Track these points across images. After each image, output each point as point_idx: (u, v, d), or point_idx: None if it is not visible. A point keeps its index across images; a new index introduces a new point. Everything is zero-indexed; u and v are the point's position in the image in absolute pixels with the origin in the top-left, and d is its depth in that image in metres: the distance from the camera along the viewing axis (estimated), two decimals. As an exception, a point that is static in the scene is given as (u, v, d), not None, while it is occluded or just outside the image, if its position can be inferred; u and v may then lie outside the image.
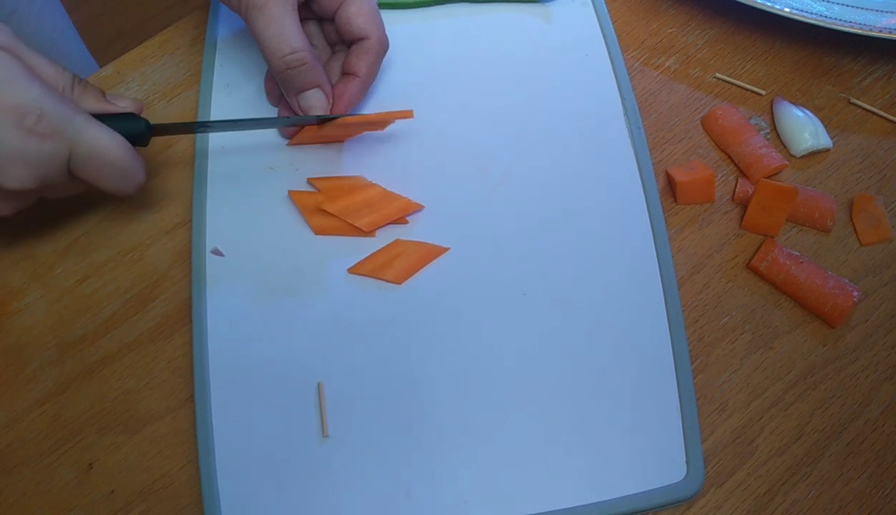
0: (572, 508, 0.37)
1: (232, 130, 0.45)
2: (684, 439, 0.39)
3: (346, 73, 0.45)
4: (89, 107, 0.39)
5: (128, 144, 0.39)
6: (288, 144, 0.46)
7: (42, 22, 0.62)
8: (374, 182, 0.45)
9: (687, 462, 0.38)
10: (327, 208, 0.42)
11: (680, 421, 0.39)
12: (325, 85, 0.43)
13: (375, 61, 0.44)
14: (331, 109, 0.44)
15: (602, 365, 0.40)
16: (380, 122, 0.45)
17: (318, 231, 0.43)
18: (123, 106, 0.40)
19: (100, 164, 0.37)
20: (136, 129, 0.40)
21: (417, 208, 0.44)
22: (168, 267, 0.44)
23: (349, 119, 0.43)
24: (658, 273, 0.42)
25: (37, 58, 0.38)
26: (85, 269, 0.44)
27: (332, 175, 0.45)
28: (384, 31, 0.44)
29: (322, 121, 0.43)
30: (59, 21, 0.66)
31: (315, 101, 0.43)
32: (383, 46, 0.44)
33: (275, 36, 0.40)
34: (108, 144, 0.37)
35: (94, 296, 0.43)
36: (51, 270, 0.44)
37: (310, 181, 0.44)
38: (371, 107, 0.47)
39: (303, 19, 0.44)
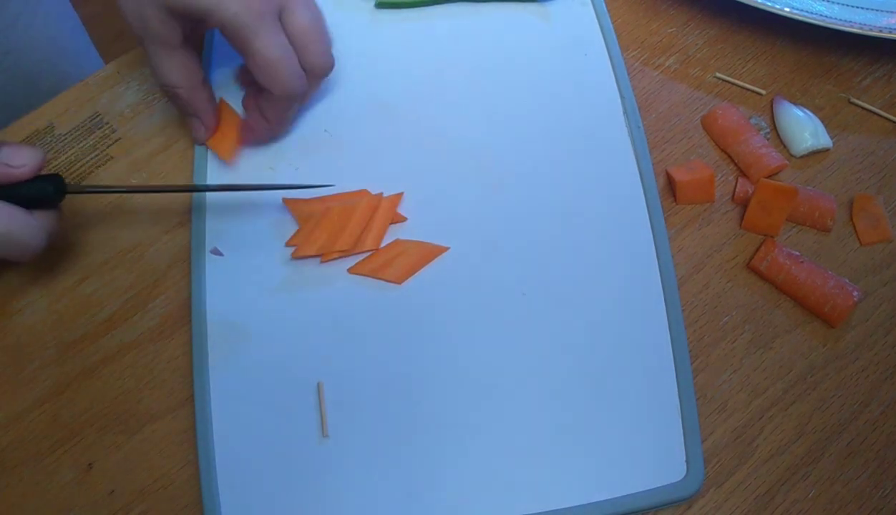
0: (572, 508, 0.37)
1: (157, 192, 0.46)
2: (684, 439, 0.39)
3: (260, 112, 0.44)
4: None
5: (19, 217, 0.36)
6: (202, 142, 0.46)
7: (48, 25, 0.62)
8: (365, 187, 0.44)
9: (687, 461, 0.38)
10: (307, 252, 0.42)
11: (680, 421, 0.39)
12: (202, 116, 0.44)
13: (281, 110, 0.43)
14: (210, 135, 0.45)
15: (602, 365, 0.40)
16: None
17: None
18: (18, 164, 0.37)
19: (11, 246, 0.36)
20: (43, 192, 0.38)
21: (401, 219, 0.44)
22: (168, 267, 0.44)
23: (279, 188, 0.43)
24: (658, 273, 0.42)
25: None
26: (85, 269, 0.44)
27: (331, 176, 0.45)
28: (287, 84, 0.41)
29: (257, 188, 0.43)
30: (67, 22, 0.66)
31: (192, 127, 0.45)
32: (288, 98, 0.42)
33: (155, 68, 0.42)
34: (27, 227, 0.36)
35: (94, 296, 0.43)
36: (51, 270, 0.44)
37: (285, 201, 0.44)
38: (370, 106, 0.47)
39: None
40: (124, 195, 0.46)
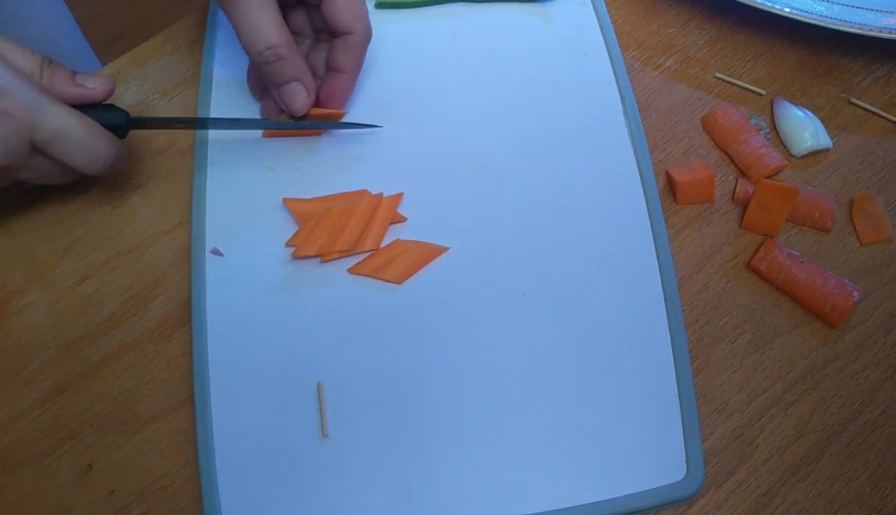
0: (572, 508, 0.37)
1: (216, 128, 0.46)
2: (684, 439, 0.39)
3: (332, 69, 0.44)
4: (59, 89, 0.39)
5: (96, 125, 0.40)
6: (263, 135, 0.46)
7: (44, 24, 0.62)
8: (365, 187, 0.44)
9: (687, 461, 0.38)
10: (307, 252, 0.42)
11: (680, 421, 0.39)
12: (304, 77, 0.43)
13: (360, 55, 0.44)
14: (312, 103, 0.44)
15: (602, 365, 0.40)
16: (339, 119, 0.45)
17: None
18: (92, 87, 0.40)
19: (65, 143, 0.39)
20: (114, 121, 0.41)
21: (401, 219, 0.44)
22: (168, 267, 0.44)
23: (315, 112, 0.44)
24: (658, 273, 0.42)
25: (3, 42, 0.39)
26: (85, 269, 0.44)
27: (331, 176, 0.45)
28: (368, 23, 0.43)
29: (298, 120, 0.44)
30: (62, 22, 0.66)
31: (294, 95, 0.43)
32: (367, 39, 0.44)
33: (251, 31, 0.40)
34: (72, 123, 0.38)
35: (94, 296, 0.43)
36: (51, 270, 0.44)
37: (285, 202, 0.44)
38: (370, 105, 0.47)
39: (290, 5, 0.44)
40: (125, 195, 0.46)
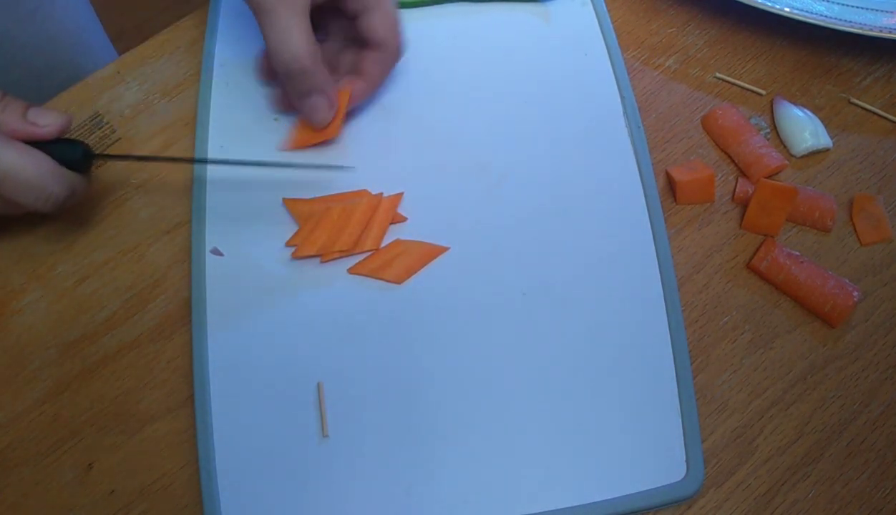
0: (572, 508, 0.37)
1: (179, 162, 0.46)
2: (684, 439, 0.39)
3: (357, 72, 0.45)
4: (11, 128, 0.39)
5: (47, 164, 0.39)
6: (278, 149, 0.46)
7: (66, 18, 0.61)
8: (365, 187, 0.45)
9: (687, 461, 0.38)
10: (307, 252, 0.42)
11: (680, 421, 0.39)
12: (327, 89, 0.43)
13: (388, 68, 0.45)
14: (334, 114, 0.44)
15: (602, 365, 0.40)
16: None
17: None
18: (44, 124, 0.39)
19: (12, 184, 0.38)
20: (70, 157, 0.40)
21: (401, 219, 0.44)
22: (168, 267, 0.44)
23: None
24: (658, 273, 0.42)
25: None
26: (85, 269, 0.44)
27: (331, 176, 0.45)
28: (402, 40, 0.44)
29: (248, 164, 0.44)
30: (84, 16, 0.66)
31: (315, 108, 0.43)
32: (399, 56, 0.45)
33: (278, 41, 0.40)
34: (19, 164, 0.38)
35: (94, 296, 0.43)
36: (51, 270, 0.44)
37: (285, 202, 0.44)
38: (371, 105, 0.47)
39: (326, 10, 0.44)
40: (125, 195, 0.46)
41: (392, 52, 0.44)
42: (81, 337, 0.42)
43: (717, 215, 0.46)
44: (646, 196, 0.44)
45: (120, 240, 0.45)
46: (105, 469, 0.39)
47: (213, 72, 0.49)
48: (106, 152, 0.47)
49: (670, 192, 0.46)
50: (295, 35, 0.40)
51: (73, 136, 0.47)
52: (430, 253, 0.43)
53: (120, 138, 0.48)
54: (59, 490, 0.39)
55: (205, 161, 0.45)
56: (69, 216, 0.45)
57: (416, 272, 0.42)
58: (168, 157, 0.47)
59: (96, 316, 0.43)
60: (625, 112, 0.47)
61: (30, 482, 0.39)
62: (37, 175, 0.38)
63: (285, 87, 0.44)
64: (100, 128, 0.48)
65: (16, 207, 0.40)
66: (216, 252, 0.43)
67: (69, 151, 0.40)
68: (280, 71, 0.41)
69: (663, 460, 0.38)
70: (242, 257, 0.43)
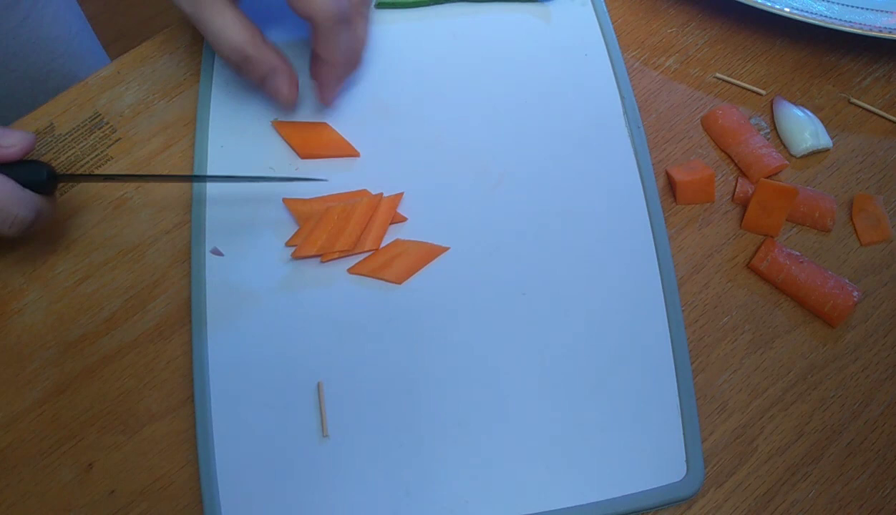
0: (572, 508, 0.37)
1: (153, 181, 0.46)
2: (684, 439, 0.39)
3: (314, 56, 0.43)
4: None
5: (10, 189, 0.38)
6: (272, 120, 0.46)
7: (56, 25, 0.62)
8: (365, 187, 0.45)
9: (687, 461, 0.38)
10: (307, 252, 0.42)
11: (680, 421, 0.39)
12: (279, 67, 0.42)
13: (330, 41, 0.41)
14: (294, 95, 0.43)
15: (602, 365, 0.40)
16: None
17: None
18: (7, 145, 0.38)
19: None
20: (33, 178, 0.39)
21: (401, 219, 0.44)
22: (168, 267, 0.44)
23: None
24: (658, 273, 0.42)
25: None
26: (85, 269, 0.44)
27: (331, 176, 0.45)
28: (328, 5, 0.39)
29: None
30: (75, 22, 0.66)
31: (274, 87, 0.42)
32: (333, 22, 0.40)
33: (213, 40, 0.40)
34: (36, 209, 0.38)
35: (94, 296, 0.43)
36: (51, 270, 0.44)
37: (285, 202, 0.44)
38: (371, 106, 0.47)
39: None
40: (125, 195, 0.46)
41: (321, 25, 0.40)
42: (81, 337, 0.42)
43: (717, 215, 0.46)
44: (646, 196, 0.44)
45: (120, 240, 0.45)
46: (105, 469, 0.39)
47: (213, 72, 0.48)
48: (106, 152, 0.47)
49: (670, 192, 0.46)
50: (226, 29, 0.39)
51: (76, 136, 0.47)
52: (430, 253, 0.43)
53: (120, 138, 0.48)
54: (59, 490, 0.39)
55: (169, 178, 0.45)
56: (70, 216, 0.45)
57: (416, 272, 0.42)
58: (134, 175, 0.46)
59: (96, 316, 0.43)
60: (625, 112, 0.47)
61: (30, 482, 0.39)
62: (1, 200, 0.37)
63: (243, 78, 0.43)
64: (100, 128, 0.48)
65: None
66: (216, 252, 0.43)
67: (34, 173, 0.39)
68: (230, 65, 0.41)
69: (663, 460, 0.38)
70: (242, 257, 0.43)
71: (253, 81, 0.43)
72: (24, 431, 0.40)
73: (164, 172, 0.47)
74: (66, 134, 0.48)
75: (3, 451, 0.40)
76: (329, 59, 0.42)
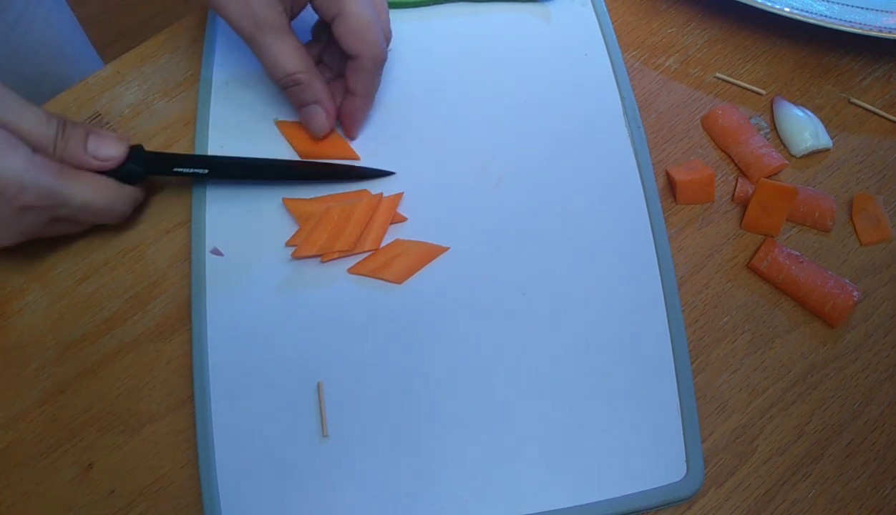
0: (572, 508, 0.37)
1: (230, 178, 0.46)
2: (684, 439, 0.39)
3: (348, 91, 0.44)
4: (75, 162, 0.40)
5: (112, 187, 0.41)
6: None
7: (48, 27, 0.62)
8: (365, 187, 0.45)
9: (687, 461, 0.38)
10: (307, 252, 0.42)
11: (680, 421, 0.39)
12: (323, 101, 0.44)
13: (369, 79, 0.43)
14: (332, 125, 0.45)
15: (602, 365, 0.40)
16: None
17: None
18: (105, 157, 0.41)
19: (86, 214, 0.41)
20: (131, 176, 0.42)
21: (401, 219, 0.44)
22: (168, 267, 0.44)
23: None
24: (658, 273, 0.42)
25: (21, 109, 0.39)
26: (85, 269, 0.44)
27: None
28: (379, 47, 0.42)
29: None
30: (67, 25, 0.66)
31: (312, 117, 0.44)
32: (377, 63, 0.43)
33: (269, 64, 0.42)
34: (90, 198, 0.40)
35: (94, 296, 0.43)
36: (51, 270, 0.44)
37: (285, 202, 0.44)
38: (372, 107, 0.47)
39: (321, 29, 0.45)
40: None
41: (368, 59, 0.42)
42: (81, 337, 0.42)
43: (717, 215, 0.46)
44: (646, 196, 0.44)
45: (120, 240, 0.45)
46: (105, 469, 0.39)
47: (213, 72, 0.49)
48: None
49: (670, 192, 0.46)
50: (283, 55, 0.41)
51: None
52: (430, 253, 0.43)
53: (120, 138, 0.48)
54: (59, 490, 0.39)
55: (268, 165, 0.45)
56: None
57: (416, 272, 0.42)
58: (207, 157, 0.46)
59: (96, 316, 0.43)
60: (625, 112, 0.47)
61: (30, 482, 0.39)
62: (107, 202, 0.41)
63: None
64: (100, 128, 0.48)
65: (84, 226, 0.44)
66: (216, 252, 0.43)
67: (132, 172, 0.42)
68: (279, 86, 0.43)
69: (663, 460, 0.38)
70: (242, 257, 0.43)
71: (293, 103, 0.45)
72: (24, 431, 0.40)
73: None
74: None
75: (3, 451, 0.40)
76: (363, 95, 0.44)
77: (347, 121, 0.46)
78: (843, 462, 0.40)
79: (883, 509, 0.39)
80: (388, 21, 0.44)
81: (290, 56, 0.42)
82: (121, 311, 0.43)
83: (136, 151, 0.42)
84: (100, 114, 0.49)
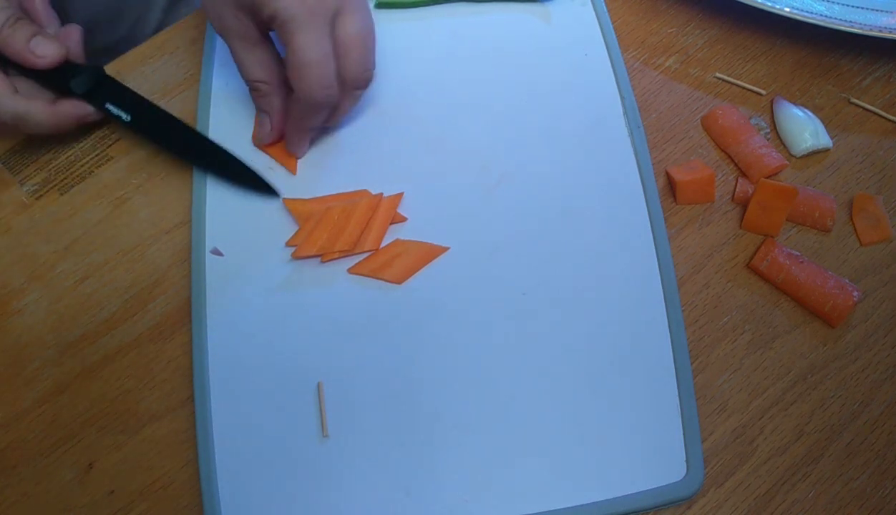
0: (572, 507, 0.37)
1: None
2: (684, 439, 0.39)
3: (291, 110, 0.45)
4: (12, 50, 0.42)
5: (48, 102, 0.44)
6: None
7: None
8: (365, 187, 0.45)
9: (687, 461, 0.38)
10: (307, 252, 0.42)
11: (680, 421, 0.39)
12: (273, 115, 0.44)
13: (303, 114, 0.42)
14: (276, 139, 0.46)
15: (602, 365, 0.40)
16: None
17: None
18: (42, 54, 0.43)
19: (23, 124, 0.43)
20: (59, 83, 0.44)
21: (401, 219, 0.44)
22: (168, 267, 0.44)
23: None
24: (658, 273, 0.42)
25: None
26: (85, 269, 0.44)
27: (331, 176, 0.45)
28: (311, 90, 0.40)
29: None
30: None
31: (261, 126, 0.45)
32: (308, 103, 0.41)
33: (237, 64, 0.43)
34: (25, 111, 0.43)
35: (94, 296, 0.43)
36: (51, 270, 0.44)
37: (285, 202, 0.44)
38: (370, 106, 0.47)
39: None
40: (126, 195, 0.46)
41: (300, 99, 0.41)
42: (81, 337, 0.42)
43: (717, 215, 0.46)
44: (646, 196, 0.44)
45: (120, 240, 0.45)
46: (105, 469, 0.39)
47: (213, 72, 0.49)
48: (106, 152, 0.47)
49: (670, 192, 0.46)
50: (245, 62, 0.43)
51: (76, 135, 0.47)
52: (430, 253, 0.43)
53: (120, 138, 0.48)
54: (59, 490, 0.39)
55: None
56: (70, 216, 0.45)
57: (416, 272, 0.42)
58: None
59: (96, 316, 0.43)
60: (625, 112, 0.47)
61: (30, 482, 0.39)
62: (44, 118, 0.43)
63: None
64: (100, 128, 0.48)
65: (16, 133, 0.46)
66: (216, 252, 0.43)
67: (61, 81, 0.44)
68: (249, 89, 0.45)
69: (663, 460, 0.38)
70: (242, 257, 0.43)
71: (254, 102, 0.46)
72: (24, 431, 0.40)
73: (165, 173, 0.47)
74: (66, 133, 0.48)
75: (3, 451, 0.40)
76: (296, 128, 0.44)
77: (286, 141, 0.45)
78: (843, 462, 0.40)
79: (883, 509, 0.39)
80: (359, 61, 0.41)
81: (252, 65, 0.43)
82: (121, 311, 0.43)
83: (85, 69, 0.45)
84: (100, 114, 0.49)
